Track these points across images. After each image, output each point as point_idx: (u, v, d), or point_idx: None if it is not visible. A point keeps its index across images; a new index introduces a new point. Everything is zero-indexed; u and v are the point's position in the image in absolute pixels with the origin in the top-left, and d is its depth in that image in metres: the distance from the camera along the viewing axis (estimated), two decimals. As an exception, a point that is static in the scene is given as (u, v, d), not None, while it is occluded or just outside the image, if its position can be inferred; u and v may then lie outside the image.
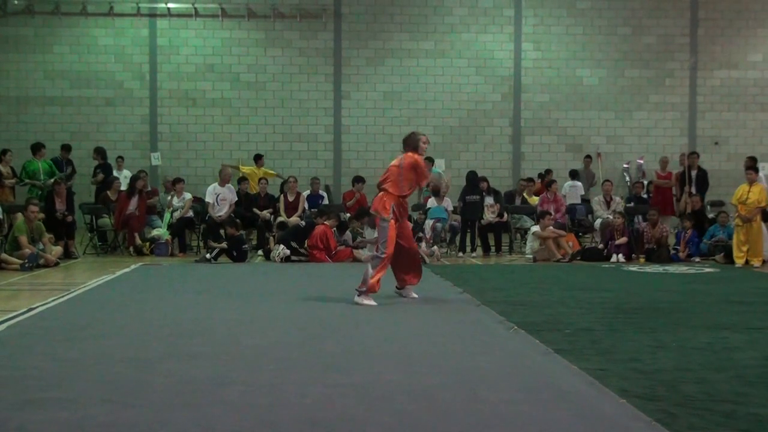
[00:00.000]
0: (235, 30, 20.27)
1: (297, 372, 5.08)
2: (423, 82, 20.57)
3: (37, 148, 15.21)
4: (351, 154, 20.47)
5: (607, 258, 13.98)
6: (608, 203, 15.55)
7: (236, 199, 15.23)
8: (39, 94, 19.87)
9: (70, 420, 4.01)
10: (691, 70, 20.82)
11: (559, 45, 20.88)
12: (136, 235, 14.58)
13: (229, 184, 15.40)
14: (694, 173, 15.77)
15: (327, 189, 17.35)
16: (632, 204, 15.96)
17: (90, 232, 15.06)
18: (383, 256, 8.21)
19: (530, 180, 17.36)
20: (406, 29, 20.55)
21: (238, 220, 14.10)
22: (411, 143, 8.54)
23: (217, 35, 20.24)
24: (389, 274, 8.51)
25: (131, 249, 14.47)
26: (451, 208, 15.39)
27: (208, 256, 13.41)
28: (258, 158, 17.85)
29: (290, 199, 15.46)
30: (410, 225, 9.59)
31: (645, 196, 16.66)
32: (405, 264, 8.61)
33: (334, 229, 13.85)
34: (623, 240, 14.12)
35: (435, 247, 14.09)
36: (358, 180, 16.61)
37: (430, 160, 15.14)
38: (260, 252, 14.56)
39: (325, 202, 16.15)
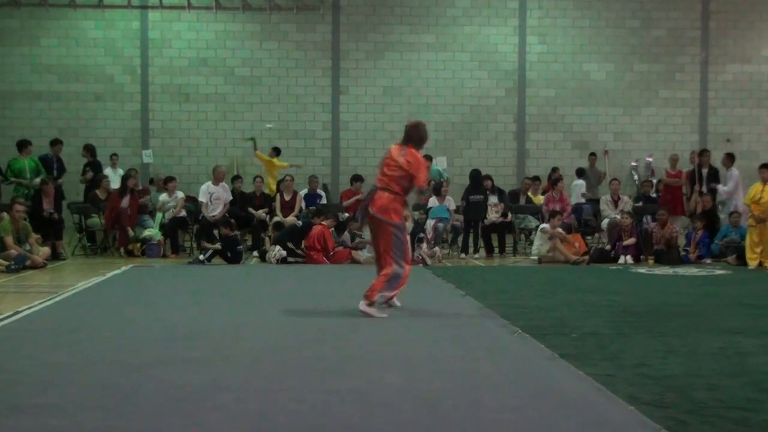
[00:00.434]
0: (229, 22, 20.27)
1: (294, 377, 5.08)
2: (424, 76, 20.58)
3: (23, 145, 15.15)
4: (349, 152, 20.48)
5: (615, 259, 13.99)
6: (616, 203, 15.56)
7: (231, 198, 15.23)
8: (25, 88, 19.88)
9: (59, 427, 4.02)
10: (702, 64, 20.82)
11: (566, 38, 20.89)
12: (129, 229, 14.54)
13: (224, 183, 15.39)
14: (705, 171, 15.78)
15: (324, 188, 17.36)
16: (641, 203, 15.97)
17: (79, 232, 15.07)
18: (403, 272, 7.55)
19: (536, 178, 17.36)
20: (407, 21, 20.56)
21: (232, 220, 14.10)
22: (416, 137, 7.85)
23: (210, 28, 20.24)
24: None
25: (122, 250, 14.48)
26: (453, 208, 15.40)
27: (201, 257, 13.41)
28: (277, 152, 17.91)
29: (287, 198, 15.47)
30: None
31: (654, 195, 16.67)
32: None
33: (332, 229, 13.87)
34: (631, 241, 14.13)
35: (436, 248, 14.10)
36: (357, 179, 16.62)
37: (427, 158, 15.12)
38: (256, 253, 14.57)
39: (323, 201, 16.17)
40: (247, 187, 16.34)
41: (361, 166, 19.50)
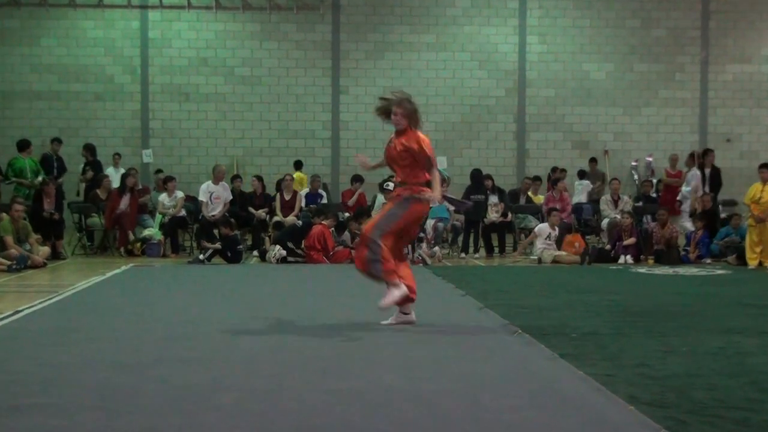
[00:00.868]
0: (229, 22, 20.27)
1: (294, 377, 5.08)
2: (424, 76, 20.58)
3: (24, 145, 15.16)
4: (349, 152, 20.45)
5: (615, 259, 14.00)
6: (616, 202, 15.58)
7: (231, 197, 15.24)
8: (25, 88, 19.88)
9: (59, 427, 4.01)
10: (702, 64, 20.82)
11: (566, 38, 20.89)
12: (129, 233, 14.57)
13: (224, 182, 15.42)
14: (707, 171, 15.78)
15: (324, 187, 17.37)
16: (641, 203, 15.99)
17: (79, 231, 15.07)
18: (379, 250, 6.63)
19: (536, 178, 17.37)
20: (407, 21, 20.56)
21: (232, 220, 14.10)
22: (415, 118, 7.05)
23: (210, 28, 20.24)
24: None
25: (122, 249, 14.48)
26: (453, 208, 15.38)
27: (201, 257, 13.42)
28: (299, 165, 18.06)
29: (287, 197, 15.46)
30: None
31: (654, 195, 16.69)
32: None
33: (332, 229, 13.87)
34: (631, 241, 14.14)
35: (436, 247, 14.11)
36: (357, 179, 16.64)
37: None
38: (256, 253, 14.58)
39: (324, 200, 16.18)
40: (247, 187, 16.33)
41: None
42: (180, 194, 15.44)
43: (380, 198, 14.85)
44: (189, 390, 4.71)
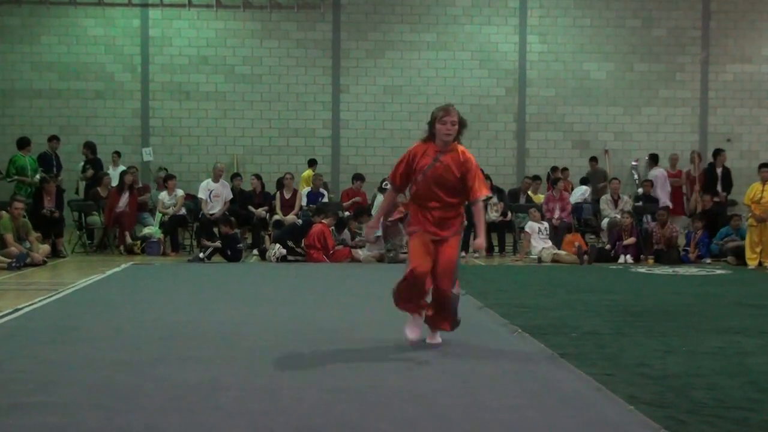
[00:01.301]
0: (230, 21, 20.26)
1: (293, 376, 5.08)
2: (424, 75, 20.57)
3: (24, 143, 15.15)
4: (350, 150, 20.47)
5: (615, 259, 14.00)
6: (616, 202, 15.57)
7: (231, 195, 15.24)
8: (26, 86, 19.87)
9: (58, 425, 4.02)
10: (702, 64, 20.81)
11: (566, 37, 20.88)
12: (127, 233, 14.59)
13: (223, 180, 15.42)
14: (719, 171, 15.80)
15: (325, 186, 17.38)
16: (641, 203, 15.97)
17: (79, 230, 15.07)
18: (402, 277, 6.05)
19: (536, 177, 17.36)
20: (407, 20, 20.55)
21: (232, 218, 14.11)
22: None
23: (211, 26, 20.23)
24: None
25: (122, 248, 14.48)
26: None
27: (201, 255, 13.42)
28: (312, 163, 18.07)
29: (287, 196, 15.47)
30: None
31: (654, 194, 16.67)
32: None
33: (332, 227, 13.87)
34: (631, 240, 14.14)
35: (436, 246, 14.08)
36: (358, 177, 16.66)
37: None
38: (255, 251, 14.57)
39: (325, 199, 16.18)
40: (246, 185, 16.32)
41: (361, 164, 19.52)
42: (180, 192, 15.44)
43: (379, 197, 14.86)
44: (188, 389, 4.71)
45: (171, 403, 4.43)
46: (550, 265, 13.40)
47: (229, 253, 13.46)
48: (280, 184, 16.01)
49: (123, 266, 12.09)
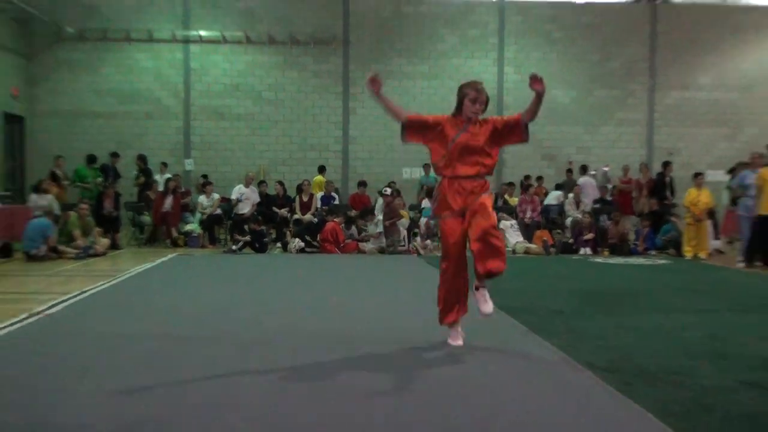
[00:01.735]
0: (257, 54, 20.28)
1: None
2: (419, 100, 20.57)
3: (91, 159, 15.60)
4: (357, 162, 20.48)
5: (576, 251, 14.02)
6: (578, 204, 15.59)
7: (258, 199, 15.29)
8: (89, 109, 19.88)
9: (120, 387, 4.07)
10: (649, 90, 20.84)
11: (537, 68, 20.67)
12: (173, 229, 14.63)
13: (253, 186, 15.48)
14: (668, 179, 15.94)
15: (336, 191, 17.41)
16: (598, 205, 16.00)
17: (133, 226, 15.11)
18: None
19: (511, 184, 17.36)
20: (405, 55, 20.56)
21: (260, 217, 14.14)
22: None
23: (242, 59, 20.25)
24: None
25: (168, 241, 14.52)
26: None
27: (234, 247, 13.46)
28: (322, 169, 18.04)
29: (305, 199, 15.52)
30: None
31: (609, 198, 16.69)
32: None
33: (342, 225, 13.91)
34: (590, 236, 14.16)
35: (428, 240, 14.13)
36: (362, 184, 16.70)
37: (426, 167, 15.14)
38: (279, 244, 14.60)
39: (336, 202, 16.21)
40: (271, 190, 16.36)
41: (366, 173, 19.58)
42: (216, 196, 15.47)
43: (380, 200, 14.90)
44: (221, 360, 4.75)
45: (204, 370, 4.46)
46: (522, 256, 13.42)
47: (257, 245, 13.49)
48: (299, 190, 16.04)
49: (169, 256, 12.13)
